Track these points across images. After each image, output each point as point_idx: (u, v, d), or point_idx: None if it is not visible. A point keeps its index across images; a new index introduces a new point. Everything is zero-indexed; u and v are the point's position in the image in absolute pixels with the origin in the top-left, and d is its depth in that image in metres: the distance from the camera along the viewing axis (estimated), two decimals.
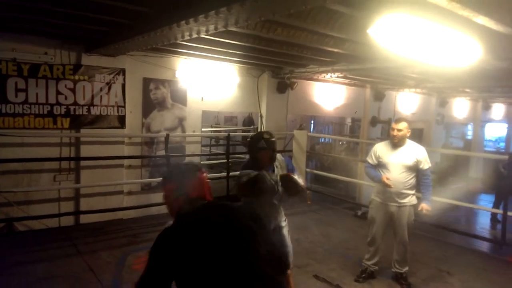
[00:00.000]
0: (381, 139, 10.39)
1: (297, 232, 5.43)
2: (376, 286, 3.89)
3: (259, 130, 7.75)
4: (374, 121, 9.58)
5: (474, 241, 5.70)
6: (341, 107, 8.93)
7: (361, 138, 9.49)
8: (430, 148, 11.37)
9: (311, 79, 7.83)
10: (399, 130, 3.76)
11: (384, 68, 5.67)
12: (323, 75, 6.77)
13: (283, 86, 7.46)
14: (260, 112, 7.55)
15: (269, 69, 7.25)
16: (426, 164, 3.75)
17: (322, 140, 13.33)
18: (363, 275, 3.98)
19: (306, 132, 7.55)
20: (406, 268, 3.88)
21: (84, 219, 5.36)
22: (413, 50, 3.14)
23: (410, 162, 3.71)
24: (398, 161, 3.74)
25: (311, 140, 12.55)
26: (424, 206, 3.73)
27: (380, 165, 3.83)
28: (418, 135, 14.60)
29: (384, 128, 11.26)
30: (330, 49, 4.76)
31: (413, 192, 3.79)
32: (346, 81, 8.41)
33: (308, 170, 7.45)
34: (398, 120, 3.88)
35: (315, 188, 8.40)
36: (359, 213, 6.48)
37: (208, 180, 1.81)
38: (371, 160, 3.92)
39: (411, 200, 3.77)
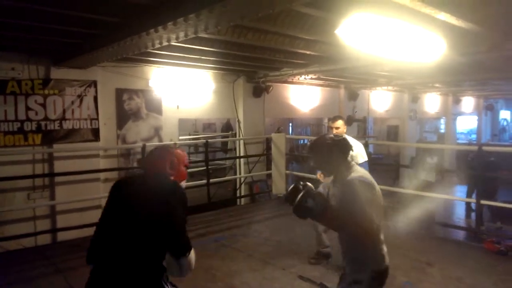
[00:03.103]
0: (358, 137, 10.63)
1: (281, 233, 5.46)
2: None
3: (237, 135, 7.76)
4: (350, 120, 9.76)
5: (451, 231, 5.87)
6: (317, 108, 9.06)
7: None
8: (405, 143, 11.73)
9: (286, 82, 7.92)
10: (336, 128, 3.89)
11: (355, 68, 5.81)
12: (297, 77, 6.87)
13: (258, 90, 7.51)
14: (238, 117, 7.57)
15: (243, 74, 7.29)
16: (361, 158, 3.82)
17: (302, 142, 13.48)
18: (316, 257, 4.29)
19: (284, 134, 7.60)
20: None
21: (62, 236, 5.20)
22: (381, 48, 3.24)
23: None
24: None
25: (292, 142, 12.68)
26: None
27: None
28: (394, 132, 15.04)
29: (360, 127, 11.51)
30: (301, 51, 4.84)
31: None
32: (320, 82, 8.55)
33: (287, 172, 7.49)
34: (334, 119, 4.00)
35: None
36: None
37: (180, 158, 2.10)
38: None
39: None
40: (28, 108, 5.00)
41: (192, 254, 1.95)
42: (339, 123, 3.92)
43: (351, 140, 3.89)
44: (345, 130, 3.93)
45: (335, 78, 8.01)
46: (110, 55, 4.36)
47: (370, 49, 3.28)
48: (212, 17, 2.77)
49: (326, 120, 14.66)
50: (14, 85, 4.90)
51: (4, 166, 4.84)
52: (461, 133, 17.65)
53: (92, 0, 3.13)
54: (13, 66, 4.91)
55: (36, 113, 5.07)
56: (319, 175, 4.03)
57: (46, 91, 5.13)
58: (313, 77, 7.00)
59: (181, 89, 6.56)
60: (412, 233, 5.43)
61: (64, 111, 5.27)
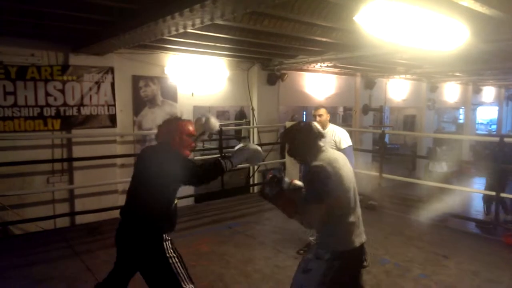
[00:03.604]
0: (374, 126, 10.48)
1: (292, 222, 5.46)
2: None
3: (251, 123, 7.75)
4: (365, 109, 9.62)
5: (468, 224, 5.78)
6: (332, 97, 8.95)
7: (354, 127, 9.53)
8: (423, 133, 11.51)
9: (301, 69, 7.83)
10: (320, 116, 4.02)
11: (373, 56, 5.69)
12: (312, 65, 6.78)
13: (273, 78, 7.45)
14: (252, 105, 7.55)
15: (258, 62, 7.23)
16: (344, 143, 3.94)
17: None
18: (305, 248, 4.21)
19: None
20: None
21: (80, 219, 5.35)
22: (401, 35, 3.15)
23: (329, 144, 3.84)
24: None
25: None
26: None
27: None
28: (410, 121, 14.78)
29: (376, 116, 11.32)
30: (318, 38, 4.76)
31: None
32: (336, 70, 8.42)
33: None
34: (317, 108, 4.12)
35: None
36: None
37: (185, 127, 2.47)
38: None
39: None
40: (47, 94, 5.10)
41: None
42: (322, 110, 4.06)
43: (335, 127, 4.09)
44: (328, 118, 4.10)
45: (351, 66, 7.87)
46: (127, 42, 4.38)
47: (389, 37, 3.19)
48: (228, 3, 2.75)
49: (341, 109, 14.52)
50: (34, 71, 4.99)
51: (24, 151, 4.97)
52: (481, 123, 17.22)
53: None
54: (33, 52, 4.99)
55: (55, 99, 5.16)
56: None
57: (65, 77, 5.21)
58: (329, 65, 6.89)
59: (196, 77, 6.56)
60: (428, 225, 5.38)
61: (82, 97, 5.36)
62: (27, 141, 5.01)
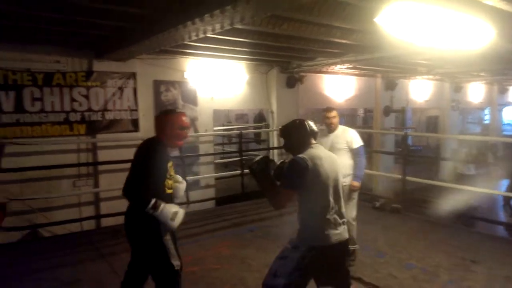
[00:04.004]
0: (396, 128, 10.29)
1: None
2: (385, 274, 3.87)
3: (270, 126, 7.76)
4: (387, 111, 9.47)
5: (497, 227, 5.59)
6: (352, 98, 8.85)
7: (375, 129, 9.39)
8: (447, 135, 11.22)
9: (320, 71, 7.78)
10: (333, 117, 4.12)
11: (393, 57, 5.60)
12: (332, 67, 6.73)
13: (292, 81, 7.45)
14: (271, 108, 7.56)
15: (277, 65, 7.25)
16: (356, 143, 4.07)
17: None
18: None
19: (318, 125, 7.50)
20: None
21: (105, 222, 5.47)
22: (423, 36, 3.10)
23: (341, 145, 4.04)
24: (330, 146, 3.97)
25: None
26: (353, 183, 4.06)
27: None
28: (433, 123, 14.43)
29: (398, 118, 11.13)
30: (338, 40, 4.73)
31: (350, 172, 4.06)
32: (356, 71, 8.33)
33: None
34: (329, 109, 4.19)
35: None
36: (377, 204, 6.42)
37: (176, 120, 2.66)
38: None
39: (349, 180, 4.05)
40: (73, 100, 5.27)
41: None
42: (335, 112, 4.18)
43: (345, 128, 4.21)
44: (338, 120, 4.22)
45: (371, 67, 7.78)
46: (148, 48, 4.48)
47: (411, 38, 3.15)
48: (248, 8, 2.77)
49: (361, 111, 14.35)
50: (60, 77, 5.17)
51: (51, 155, 5.14)
52: (508, 124, 16.64)
53: None
54: (58, 59, 5.17)
55: (80, 104, 5.33)
56: None
57: (89, 83, 5.37)
58: (349, 66, 6.83)
59: (215, 80, 6.63)
60: (454, 229, 5.24)
61: (106, 102, 5.50)
62: (54, 146, 5.18)
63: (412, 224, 5.59)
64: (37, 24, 4.00)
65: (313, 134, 2.50)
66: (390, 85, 9.37)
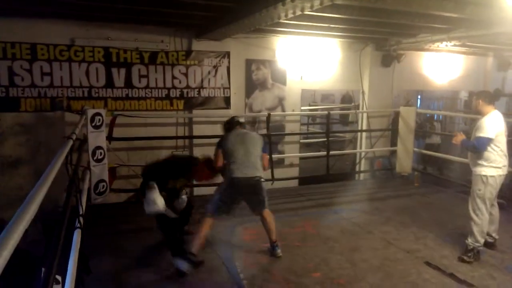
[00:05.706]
0: (507, 114, 9.07)
1: (404, 214, 5.16)
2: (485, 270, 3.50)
3: (360, 107, 7.43)
4: (497, 95, 8.36)
5: None
6: (456, 80, 7.98)
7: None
8: None
9: (421, 49, 7.13)
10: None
11: None
12: (436, 44, 6.10)
13: (388, 59, 6.98)
14: (363, 88, 7.22)
15: (372, 42, 6.83)
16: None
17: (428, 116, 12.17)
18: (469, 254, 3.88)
19: (415, 108, 6.97)
20: (468, 240, 3.85)
21: (198, 191, 5.89)
22: None
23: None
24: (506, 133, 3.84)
25: (419, 117, 11.52)
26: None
27: (496, 140, 3.75)
28: None
29: (509, 104, 9.77)
30: (447, 14, 4.27)
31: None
32: (463, 49, 7.44)
33: (416, 149, 6.93)
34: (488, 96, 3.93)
35: (422, 169, 7.83)
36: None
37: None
38: (492, 134, 3.73)
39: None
40: (173, 77, 5.67)
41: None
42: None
43: (498, 115, 3.84)
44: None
45: (483, 45, 6.87)
46: (245, 27, 4.55)
47: None
48: None
49: (464, 94, 12.90)
50: (163, 56, 5.58)
51: (153, 127, 5.64)
52: None
53: None
54: (162, 39, 5.57)
55: (180, 82, 5.72)
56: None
57: (188, 62, 5.71)
58: (456, 43, 6.12)
59: (305, 60, 6.51)
60: None
61: (202, 80, 5.82)
62: (156, 119, 5.66)
63: None
64: (150, 7, 4.30)
65: (241, 124, 4.10)
66: (503, 66, 8.23)
